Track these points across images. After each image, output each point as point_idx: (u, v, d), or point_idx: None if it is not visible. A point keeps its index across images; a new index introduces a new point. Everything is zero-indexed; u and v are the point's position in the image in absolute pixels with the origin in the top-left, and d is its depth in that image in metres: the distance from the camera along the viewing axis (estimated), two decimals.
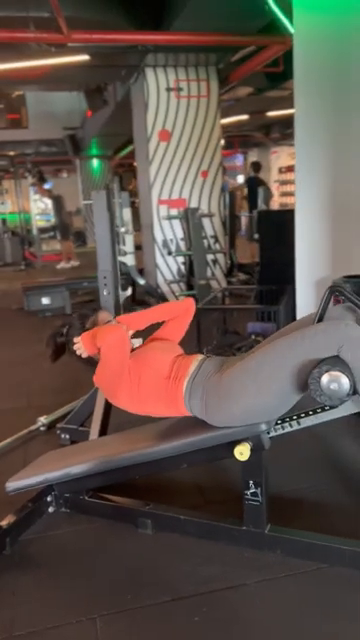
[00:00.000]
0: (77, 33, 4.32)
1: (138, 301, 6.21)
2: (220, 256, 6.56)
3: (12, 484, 2.11)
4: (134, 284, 6.05)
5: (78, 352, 1.95)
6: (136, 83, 6.25)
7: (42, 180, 12.98)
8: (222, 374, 1.76)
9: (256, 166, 8.34)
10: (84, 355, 1.94)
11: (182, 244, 6.29)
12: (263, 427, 1.70)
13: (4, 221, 14.51)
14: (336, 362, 1.48)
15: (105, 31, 4.50)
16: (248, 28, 4.99)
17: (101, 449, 2.08)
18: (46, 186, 12.53)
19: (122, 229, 5.73)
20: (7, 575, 1.88)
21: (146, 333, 2.17)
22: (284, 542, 1.86)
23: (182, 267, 6.31)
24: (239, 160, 18.70)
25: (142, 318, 2.14)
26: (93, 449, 2.11)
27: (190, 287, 6.07)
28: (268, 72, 6.57)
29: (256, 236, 5.44)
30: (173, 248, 6.30)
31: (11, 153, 13.37)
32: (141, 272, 6.89)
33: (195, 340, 3.64)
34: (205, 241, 6.32)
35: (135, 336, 2.10)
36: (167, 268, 6.35)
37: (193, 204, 6.29)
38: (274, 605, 1.68)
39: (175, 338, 2.13)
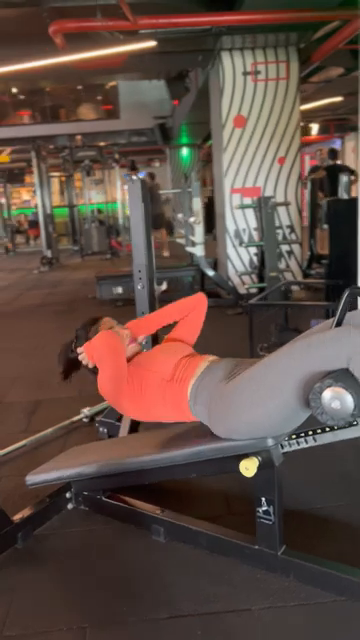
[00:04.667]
0: (143, 19, 4.24)
1: (207, 292, 6.09)
2: (296, 247, 6.26)
3: (31, 478, 2.11)
4: (203, 275, 5.94)
5: (84, 362, 1.93)
6: (213, 68, 6.08)
7: (134, 169, 13.17)
8: (229, 380, 1.62)
9: (333, 153, 7.85)
10: (90, 365, 1.91)
11: (255, 234, 6.07)
12: (269, 442, 1.54)
13: (99, 210, 14.91)
14: (341, 376, 1.28)
15: (171, 15, 4.38)
16: (328, 1, 4.64)
17: (113, 451, 2.01)
18: (141, 175, 12.68)
19: (191, 219, 5.64)
20: (13, 569, 1.87)
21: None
22: (298, 567, 1.69)
23: (254, 258, 6.09)
24: (337, 145, 17.86)
25: (150, 322, 2.10)
26: (107, 450, 2.05)
27: (261, 279, 5.85)
28: (354, 49, 6.12)
29: (325, 227, 5.11)
30: (245, 238, 6.10)
31: (101, 144, 13.66)
32: (215, 263, 6.76)
33: (247, 338, 3.48)
34: (280, 231, 6.05)
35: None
36: (238, 259, 6.17)
37: (268, 192, 6.04)
38: (276, 636, 1.52)
39: (189, 338, 2.03)
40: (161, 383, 1.76)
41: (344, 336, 1.33)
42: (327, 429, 1.55)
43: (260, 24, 4.86)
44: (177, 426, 2.05)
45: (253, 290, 5.94)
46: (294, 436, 1.62)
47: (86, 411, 3.11)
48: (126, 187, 12.50)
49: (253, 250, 6.09)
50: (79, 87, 16.07)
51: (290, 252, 6.23)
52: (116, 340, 1.85)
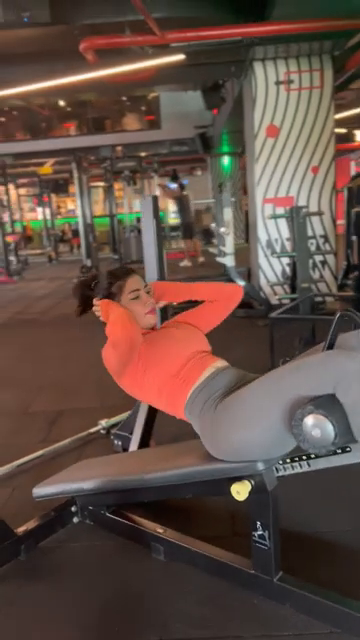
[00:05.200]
0: (171, 33, 4.28)
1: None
2: (330, 257, 6.14)
3: (38, 490, 2.13)
4: None
5: (96, 314, 1.86)
6: (246, 78, 6.06)
7: (175, 178, 13.25)
8: (223, 398, 1.59)
9: None
10: (101, 319, 1.84)
11: (288, 244, 5.99)
12: (259, 466, 1.50)
13: (139, 219, 15.04)
14: (324, 403, 1.24)
15: (198, 28, 4.39)
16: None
17: (114, 467, 2.02)
18: (172, 186, 12.76)
19: (222, 229, 5.62)
20: (13, 582, 1.89)
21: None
22: (294, 595, 1.64)
23: (287, 268, 6.01)
24: None
25: (180, 291, 2.00)
26: (109, 466, 2.06)
27: (293, 290, 5.76)
28: None
29: (354, 238, 4.99)
30: (278, 248, 6.03)
31: (142, 154, 13.83)
32: (249, 273, 6.72)
33: (268, 352, 3.42)
34: (313, 241, 5.96)
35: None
36: (270, 269, 6.10)
37: (302, 202, 5.96)
38: None
39: (205, 325, 1.96)
40: (163, 376, 1.72)
41: (331, 360, 1.29)
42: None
43: (292, 33, 4.80)
44: (180, 444, 2.04)
45: (285, 301, 5.85)
46: (289, 460, 1.58)
47: (103, 423, 3.13)
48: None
49: (286, 260, 6.02)
50: (124, 98, 16.41)
51: (324, 262, 6.12)
52: (135, 329, 1.73)
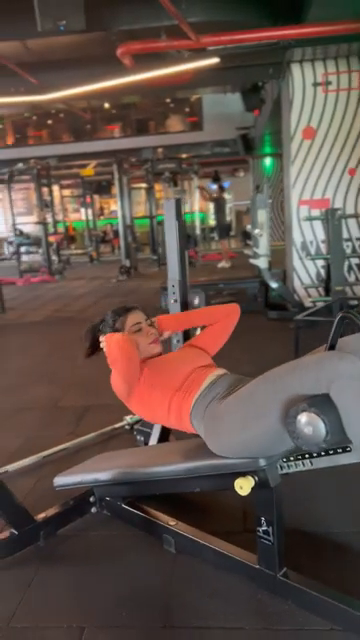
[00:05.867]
0: (206, 37, 4.33)
1: (271, 305, 6.05)
2: None
3: (58, 480, 2.22)
4: (267, 288, 5.90)
5: (104, 350, 1.97)
6: (284, 80, 6.05)
7: (217, 180, 13.30)
8: (223, 399, 1.64)
9: None
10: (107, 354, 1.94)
11: (323, 246, 5.95)
12: (262, 463, 1.54)
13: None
14: (317, 402, 1.27)
15: (234, 32, 4.43)
16: None
17: (128, 460, 2.09)
18: (212, 187, 12.79)
19: (256, 231, 5.63)
20: (31, 566, 1.99)
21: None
22: (296, 591, 1.67)
23: (322, 271, 5.97)
24: None
25: (180, 321, 2.14)
26: (123, 459, 2.13)
27: (328, 292, 5.71)
28: None
29: None
30: (313, 250, 5.99)
31: (183, 155, 13.93)
32: (284, 275, 6.70)
33: (292, 355, 3.43)
34: (349, 243, 5.89)
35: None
36: (305, 271, 6.07)
37: (338, 204, 5.90)
38: None
39: (210, 347, 2.05)
40: (169, 392, 1.80)
41: (326, 361, 1.32)
42: (322, 453, 1.53)
43: (322, 35, 4.78)
44: (192, 440, 2.09)
45: (320, 303, 5.81)
46: (292, 458, 1.62)
47: (128, 419, 3.22)
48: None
49: (321, 263, 5.97)
50: (167, 100, 16.58)
51: None
52: (130, 346, 1.86)
